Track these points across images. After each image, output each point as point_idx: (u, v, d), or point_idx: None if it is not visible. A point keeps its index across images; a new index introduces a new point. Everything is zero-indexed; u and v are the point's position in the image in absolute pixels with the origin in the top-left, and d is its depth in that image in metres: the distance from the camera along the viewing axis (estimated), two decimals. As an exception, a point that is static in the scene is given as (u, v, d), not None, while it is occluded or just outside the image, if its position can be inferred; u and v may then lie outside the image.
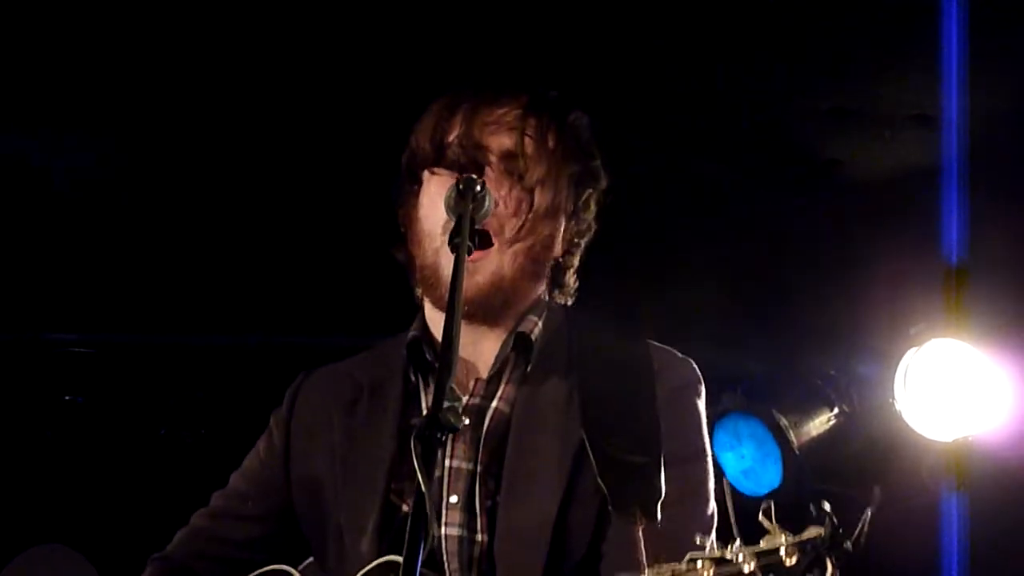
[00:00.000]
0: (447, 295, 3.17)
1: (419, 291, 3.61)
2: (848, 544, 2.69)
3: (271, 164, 5.89)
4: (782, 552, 2.71)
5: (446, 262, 3.37)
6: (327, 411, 3.67)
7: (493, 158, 3.47)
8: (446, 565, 3.39)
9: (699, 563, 2.80)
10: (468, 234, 3.23)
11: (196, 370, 6.51)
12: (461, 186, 3.32)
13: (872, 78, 5.48)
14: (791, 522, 2.74)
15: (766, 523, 2.74)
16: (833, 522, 2.70)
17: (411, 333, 3.61)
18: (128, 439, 6.75)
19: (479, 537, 3.40)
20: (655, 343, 3.58)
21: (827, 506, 2.72)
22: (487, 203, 3.34)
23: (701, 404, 3.53)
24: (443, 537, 3.40)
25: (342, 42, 5.23)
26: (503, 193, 3.45)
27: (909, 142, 5.72)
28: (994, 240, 5.77)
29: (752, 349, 5.97)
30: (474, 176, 3.35)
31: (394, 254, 3.64)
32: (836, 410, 5.78)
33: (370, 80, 5.40)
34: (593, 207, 3.63)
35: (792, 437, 5.59)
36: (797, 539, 2.72)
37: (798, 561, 2.70)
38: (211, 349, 6.43)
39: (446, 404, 2.92)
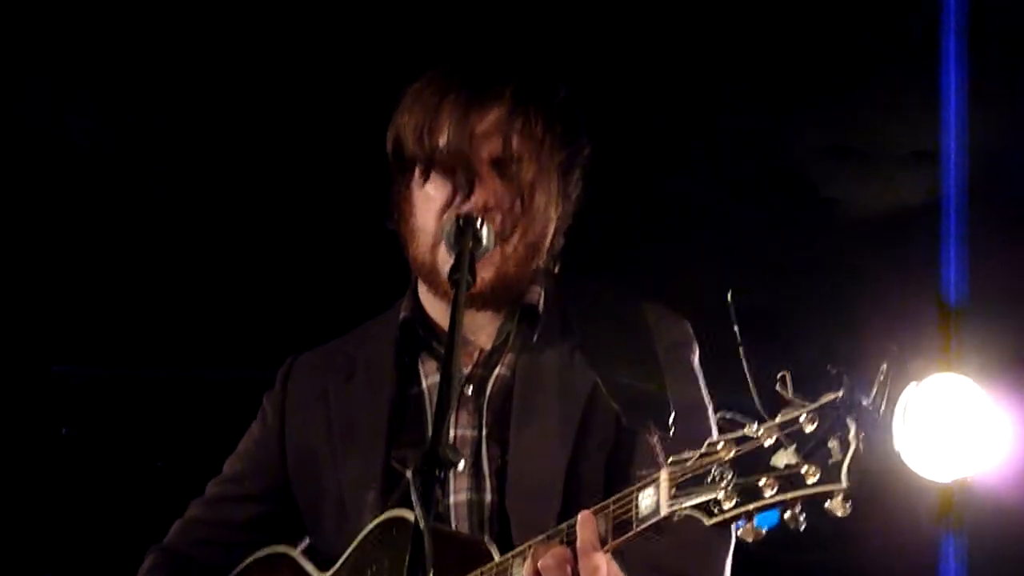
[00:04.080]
0: (448, 289, 3.22)
1: (414, 271, 3.61)
2: (867, 402, 2.66)
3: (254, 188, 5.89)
4: (802, 419, 2.69)
5: (443, 262, 3.39)
6: (322, 386, 3.67)
7: (484, 165, 3.45)
8: (456, 529, 3.40)
9: (719, 444, 2.78)
10: (468, 270, 3.22)
11: (194, 403, 6.51)
12: (461, 223, 3.33)
13: (872, 116, 5.48)
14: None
15: (783, 392, 2.71)
16: (850, 384, 2.66)
17: (403, 314, 3.62)
18: (124, 471, 6.73)
19: (488, 498, 3.41)
20: (647, 301, 3.59)
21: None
22: (486, 241, 3.35)
23: (697, 362, 3.54)
24: (451, 505, 3.41)
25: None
26: (496, 198, 3.44)
27: (908, 179, 5.73)
28: (993, 276, 5.76)
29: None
30: (472, 213, 3.37)
31: (387, 224, 3.61)
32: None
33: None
34: (580, 179, 3.62)
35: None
36: (815, 405, 2.69)
37: (818, 426, 2.67)
38: (209, 382, 6.42)
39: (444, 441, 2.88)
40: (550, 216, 3.55)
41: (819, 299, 5.89)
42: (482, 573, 3.11)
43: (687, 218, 5.91)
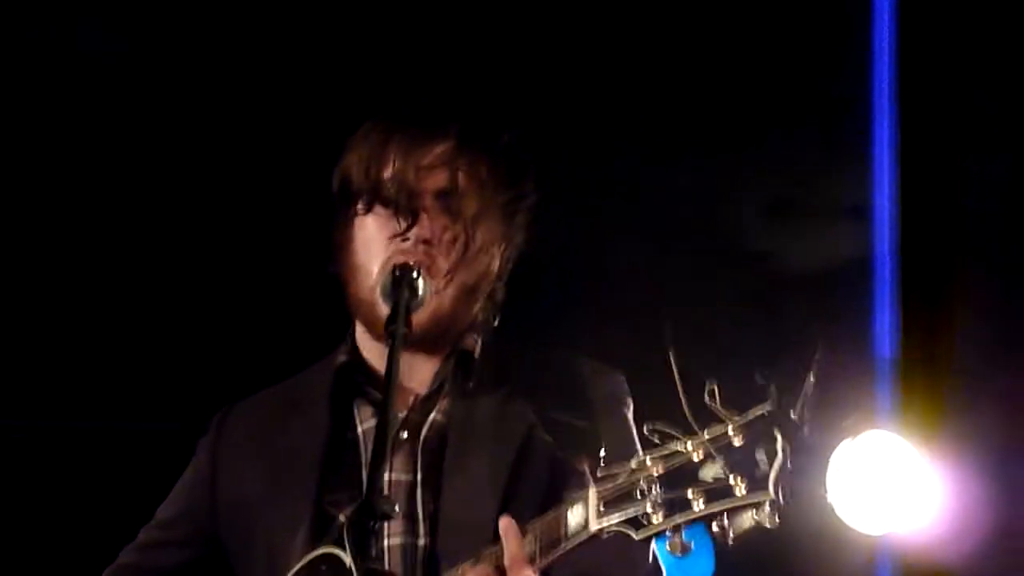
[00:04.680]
0: (384, 334, 3.24)
1: (351, 312, 3.61)
2: (793, 414, 2.68)
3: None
4: (730, 433, 2.71)
5: (382, 304, 3.38)
6: (255, 434, 3.67)
7: (428, 197, 3.47)
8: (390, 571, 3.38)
9: (647, 460, 2.80)
10: (404, 322, 3.27)
11: (132, 455, 6.47)
12: (397, 273, 3.35)
13: (805, 171, 5.52)
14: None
15: (712, 406, 2.74)
16: (776, 397, 2.70)
17: (340, 358, 3.62)
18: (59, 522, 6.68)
19: (421, 541, 3.41)
20: (583, 356, 3.61)
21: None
22: (422, 292, 3.36)
23: (631, 416, 3.56)
24: (386, 549, 3.40)
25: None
26: (438, 232, 3.46)
27: (842, 234, 5.76)
28: (926, 333, 5.79)
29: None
30: (409, 263, 3.38)
31: (329, 269, 3.61)
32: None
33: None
34: (524, 225, 3.63)
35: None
36: (743, 419, 2.72)
37: (747, 439, 2.70)
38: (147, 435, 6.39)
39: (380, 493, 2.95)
40: (492, 256, 3.55)
41: (751, 354, 5.89)
42: None
43: (619, 272, 5.92)
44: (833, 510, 5.62)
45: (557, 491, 3.37)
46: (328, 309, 3.67)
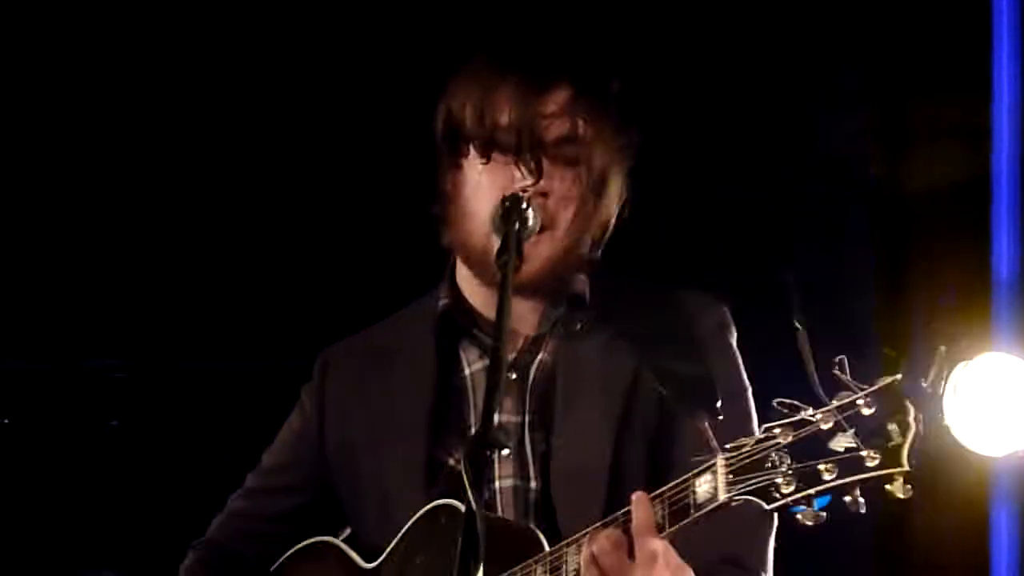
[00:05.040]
0: (496, 274, 3.20)
1: (457, 258, 3.60)
2: (925, 384, 2.66)
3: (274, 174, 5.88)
4: (859, 403, 2.70)
5: (495, 242, 3.33)
6: (360, 377, 3.68)
7: (549, 146, 3.42)
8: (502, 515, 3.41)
9: (777, 429, 2.80)
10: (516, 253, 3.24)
11: (230, 396, 6.51)
12: (508, 204, 3.32)
13: (923, 92, 5.44)
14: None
15: (840, 376, 2.72)
16: (908, 366, 2.70)
17: (442, 302, 3.61)
18: (168, 465, 6.74)
19: (533, 484, 3.43)
20: (684, 288, 3.61)
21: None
22: (532, 222, 3.33)
23: (735, 345, 3.56)
24: (497, 491, 3.43)
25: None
26: (561, 180, 3.42)
27: (959, 155, 5.68)
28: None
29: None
30: (519, 194, 3.34)
31: (431, 210, 3.59)
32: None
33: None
34: (631, 170, 3.61)
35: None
36: (873, 388, 2.71)
37: (877, 410, 2.69)
38: (248, 374, 6.42)
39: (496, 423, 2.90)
40: (612, 206, 3.53)
41: (867, 279, 5.84)
42: (536, 562, 3.11)
43: (726, 208, 5.88)
44: (951, 433, 5.59)
45: (668, 436, 3.39)
46: (420, 248, 3.67)
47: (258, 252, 6.15)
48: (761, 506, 2.81)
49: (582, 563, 3.05)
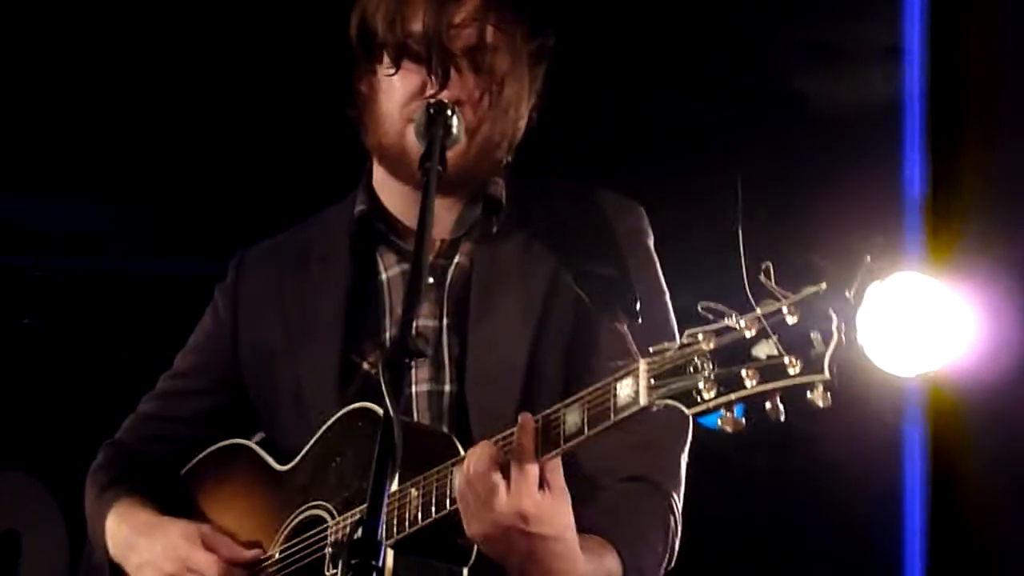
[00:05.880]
0: (416, 173, 3.18)
1: (374, 162, 3.59)
2: (849, 294, 2.66)
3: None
4: (784, 311, 2.68)
5: (412, 144, 3.34)
6: (276, 277, 3.66)
7: (458, 54, 3.42)
8: (418, 420, 3.39)
9: (700, 336, 2.77)
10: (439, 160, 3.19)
11: (155, 295, 6.48)
12: (432, 111, 3.29)
13: (841, 10, 5.45)
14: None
15: (765, 283, 2.69)
16: (833, 276, 2.67)
17: (358, 208, 3.59)
18: (87, 364, 6.71)
19: (447, 388, 3.41)
20: (602, 189, 3.59)
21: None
22: (456, 129, 3.30)
23: (652, 245, 3.55)
24: (414, 395, 3.41)
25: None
26: (469, 88, 3.42)
27: (875, 75, 5.71)
28: (956, 172, 5.75)
29: (707, 283, 6.00)
30: (444, 101, 3.33)
31: (347, 113, 3.57)
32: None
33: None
34: (544, 72, 3.59)
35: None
36: (797, 297, 2.69)
37: (800, 318, 2.67)
38: (170, 275, 6.40)
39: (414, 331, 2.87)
40: (520, 109, 3.52)
41: (782, 195, 5.87)
42: (453, 465, 3.08)
43: (655, 116, 5.88)
44: (863, 353, 5.63)
45: (585, 334, 3.38)
46: (338, 149, 3.65)
47: (182, 153, 6.10)
48: (682, 411, 2.78)
49: (459, 479, 3.02)
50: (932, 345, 5.67)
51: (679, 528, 3.36)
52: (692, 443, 3.42)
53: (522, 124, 3.54)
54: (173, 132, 6.04)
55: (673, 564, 3.36)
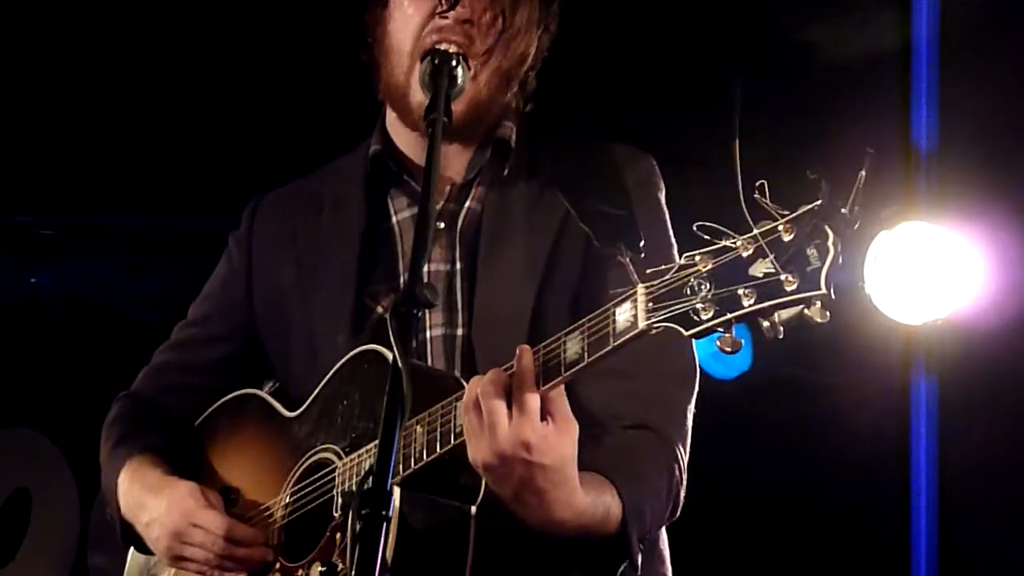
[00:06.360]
0: (420, 121, 3.20)
1: (383, 99, 3.59)
2: (844, 210, 2.64)
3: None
4: (780, 229, 2.67)
5: (416, 86, 3.36)
6: (289, 224, 3.67)
7: None
8: (432, 364, 3.40)
9: (697, 257, 2.76)
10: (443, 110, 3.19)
11: (166, 252, 6.48)
12: (436, 61, 3.29)
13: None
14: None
15: (761, 201, 2.68)
16: (828, 192, 2.65)
17: (372, 148, 3.60)
18: (96, 322, 6.71)
19: (459, 331, 3.42)
20: (615, 141, 3.59)
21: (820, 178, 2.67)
22: (460, 80, 3.31)
23: (663, 199, 3.55)
24: (428, 340, 3.42)
25: None
26: (478, 12, 3.41)
27: (881, 24, 5.68)
28: (964, 121, 5.73)
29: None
30: (450, 51, 3.33)
31: (361, 56, 3.58)
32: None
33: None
34: (558, 11, 3.59)
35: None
36: (793, 214, 2.68)
37: (797, 235, 2.66)
38: (179, 231, 6.39)
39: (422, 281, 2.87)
40: (529, 39, 3.51)
41: (787, 147, 5.85)
42: (456, 399, 3.08)
43: (658, 65, 5.86)
44: (871, 301, 5.63)
45: (592, 280, 3.38)
46: (358, 98, 3.65)
47: (193, 108, 6.09)
48: (680, 332, 2.77)
49: (462, 406, 3.01)
50: (940, 293, 5.66)
51: (683, 479, 3.35)
52: (699, 395, 3.42)
53: (530, 55, 3.53)
54: (185, 85, 6.03)
55: (678, 515, 3.36)
